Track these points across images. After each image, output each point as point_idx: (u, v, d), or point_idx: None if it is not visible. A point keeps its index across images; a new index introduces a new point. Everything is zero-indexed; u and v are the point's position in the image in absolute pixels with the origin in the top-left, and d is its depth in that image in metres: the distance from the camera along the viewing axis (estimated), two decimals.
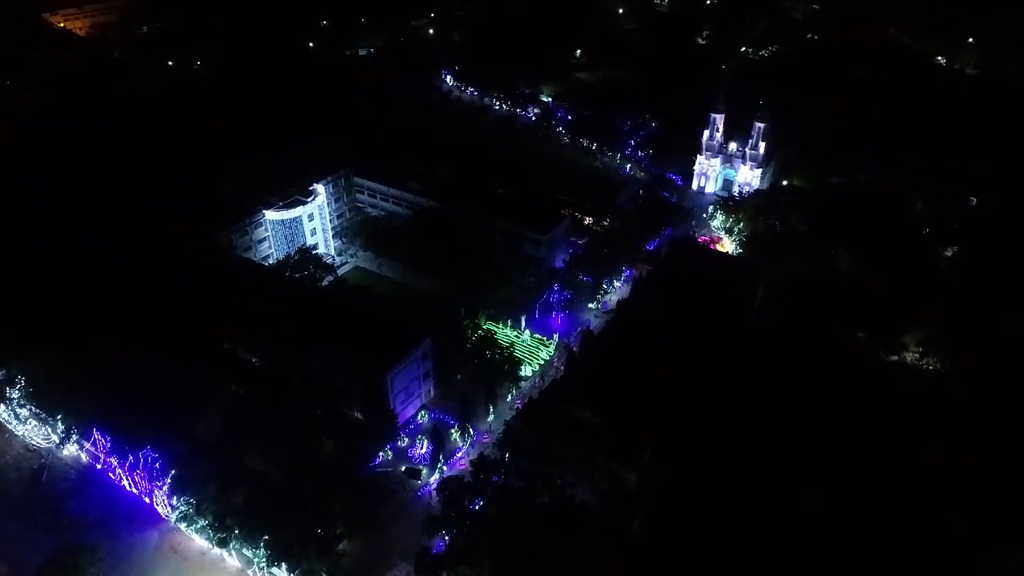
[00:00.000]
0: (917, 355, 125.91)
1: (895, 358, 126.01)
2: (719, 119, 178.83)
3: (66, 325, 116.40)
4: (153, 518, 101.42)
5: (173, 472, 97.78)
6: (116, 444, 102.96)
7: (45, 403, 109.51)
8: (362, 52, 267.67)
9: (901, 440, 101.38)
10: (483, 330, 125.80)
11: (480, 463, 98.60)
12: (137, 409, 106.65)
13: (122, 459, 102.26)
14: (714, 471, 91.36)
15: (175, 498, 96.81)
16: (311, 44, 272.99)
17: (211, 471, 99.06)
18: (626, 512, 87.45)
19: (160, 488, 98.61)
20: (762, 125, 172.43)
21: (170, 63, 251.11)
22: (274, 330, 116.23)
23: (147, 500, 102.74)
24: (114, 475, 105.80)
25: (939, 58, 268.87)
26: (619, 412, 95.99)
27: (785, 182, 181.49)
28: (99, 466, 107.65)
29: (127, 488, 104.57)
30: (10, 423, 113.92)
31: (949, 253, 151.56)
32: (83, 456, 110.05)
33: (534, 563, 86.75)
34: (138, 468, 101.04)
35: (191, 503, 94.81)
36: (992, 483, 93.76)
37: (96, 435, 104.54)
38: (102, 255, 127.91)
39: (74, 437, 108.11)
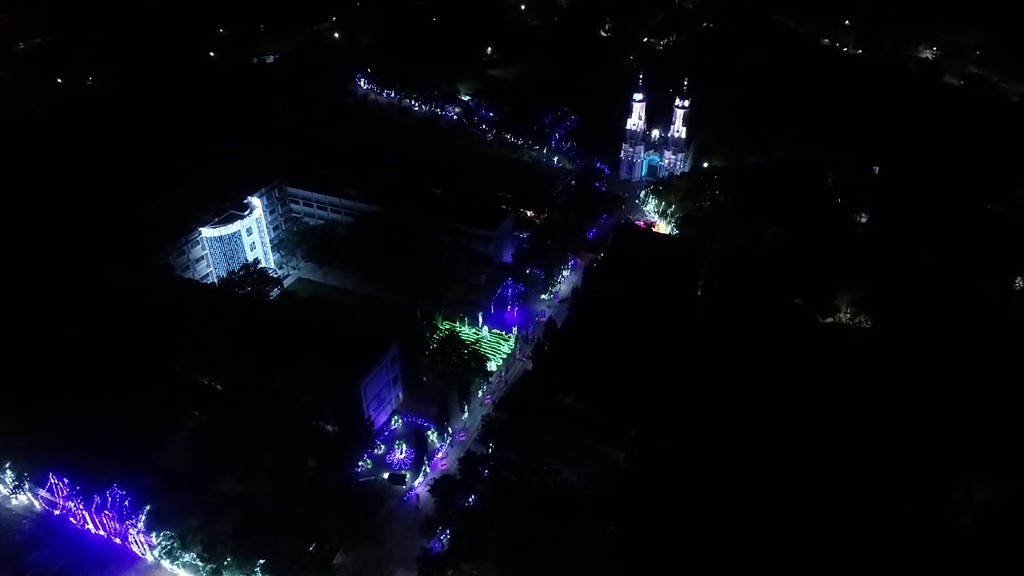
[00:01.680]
0: (849, 315, 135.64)
1: (831, 320, 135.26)
2: (640, 107, 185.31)
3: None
4: (127, 558, 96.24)
5: (148, 507, 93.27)
6: (78, 486, 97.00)
7: None
8: (269, 59, 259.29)
9: (856, 393, 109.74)
10: (445, 330, 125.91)
11: (468, 460, 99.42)
12: (96, 447, 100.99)
13: (87, 501, 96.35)
14: (695, 440, 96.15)
15: (153, 534, 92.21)
16: (212, 53, 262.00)
17: (186, 502, 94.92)
18: (619, 489, 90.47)
19: (134, 526, 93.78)
20: (682, 111, 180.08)
21: (59, 80, 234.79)
22: (232, 350, 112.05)
23: (118, 541, 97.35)
24: (76, 519, 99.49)
25: (824, 40, 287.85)
26: (599, 395, 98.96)
27: (706, 164, 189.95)
28: (56, 512, 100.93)
29: (93, 531, 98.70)
30: None
31: (863, 219, 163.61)
32: (36, 504, 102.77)
33: (534, 550, 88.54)
34: (106, 508, 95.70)
35: (173, 537, 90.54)
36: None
37: (52, 480, 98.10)
38: (28, 289, 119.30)
39: (26, 485, 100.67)
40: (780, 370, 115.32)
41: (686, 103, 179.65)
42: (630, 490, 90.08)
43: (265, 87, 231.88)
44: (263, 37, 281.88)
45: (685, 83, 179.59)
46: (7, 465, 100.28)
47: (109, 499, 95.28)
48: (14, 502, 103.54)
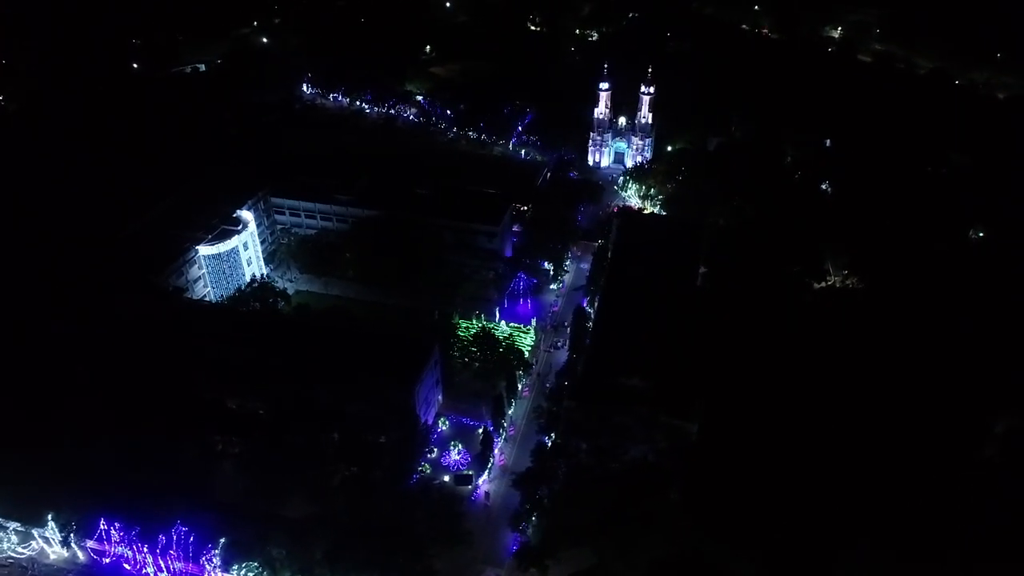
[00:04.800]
0: (841, 279, 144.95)
1: (825, 284, 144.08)
2: (606, 95, 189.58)
3: (19, 413, 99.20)
4: None
5: (223, 540, 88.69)
6: (137, 529, 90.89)
7: (24, 508, 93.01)
8: (202, 68, 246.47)
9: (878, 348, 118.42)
10: (478, 327, 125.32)
11: (541, 451, 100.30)
12: (147, 486, 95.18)
13: (150, 543, 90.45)
14: (756, 405, 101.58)
15: (235, 568, 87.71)
16: (135, 65, 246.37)
17: (260, 530, 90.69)
18: (701, 459, 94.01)
19: (210, 561, 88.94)
20: (648, 97, 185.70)
21: None
22: (273, 370, 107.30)
23: None
24: (131, 564, 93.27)
25: (743, 25, 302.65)
26: (660, 373, 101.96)
27: (669, 148, 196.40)
28: (107, 560, 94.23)
29: (152, 575, 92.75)
30: None
31: (827, 189, 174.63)
32: (81, 554, 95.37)
33: (627, 529, 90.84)
34: (171, 548, 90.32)
35: (260, 568, 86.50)
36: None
37: (103, 526, 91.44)
38: (35, 320, 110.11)
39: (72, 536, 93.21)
40: (799, 331, 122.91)
41: (651, 89, 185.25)
42: (711, 459, 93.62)
43: (205, 97, 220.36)
44: (184, 46, 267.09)
45: (649, 70, 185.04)
46: (49, 516, 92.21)
47: (174, 538, 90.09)
48: (52, 556, 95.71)
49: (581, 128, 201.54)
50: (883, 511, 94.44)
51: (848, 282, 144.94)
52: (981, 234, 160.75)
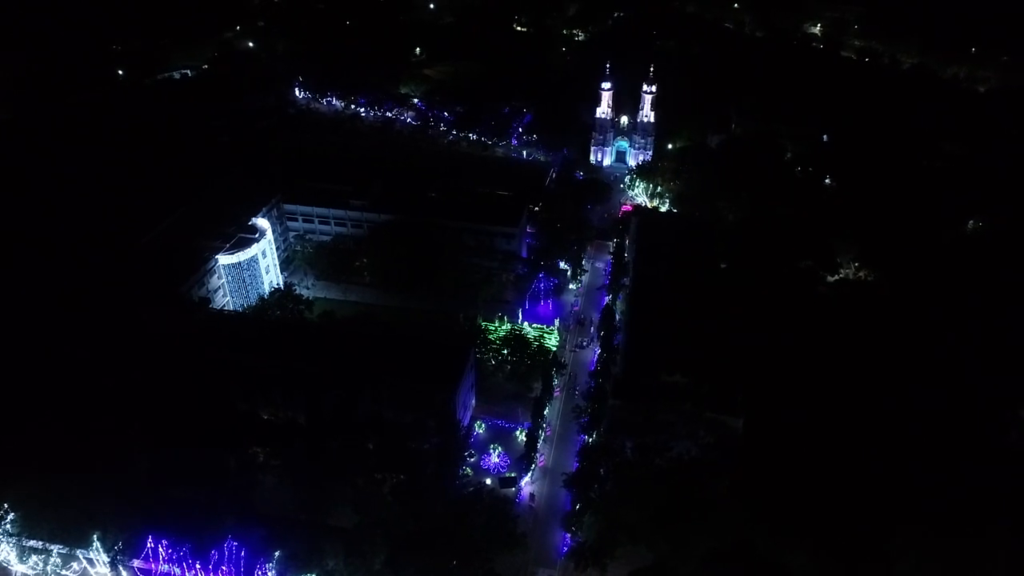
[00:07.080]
0: (854, 270, 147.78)
1: (838, 276, 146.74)
2: (608, 95, 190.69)
3: (55, 433, 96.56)
4: None
5: (277, 553, 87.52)
6: (186, 546, 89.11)
7: (68, 530, 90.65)
8: (190, 74, 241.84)
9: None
10: (507, 330, 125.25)
11: (586, 451, 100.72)
12: (192, 501, 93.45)
13: (202, 560, 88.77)
14: (797, 397, 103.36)
15: None
16: (120, 72, 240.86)
17: (313, 541, 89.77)
18: (751, 453, 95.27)
19: (264, 575, 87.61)
20: (650, 96, 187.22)
21: None
22: (314, 379, 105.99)
23: None
24: None
25: (727, 24, 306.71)
26: (701, 368, 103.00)
27: (669, 146, 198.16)
28: None
29: None
30: (9, 564, 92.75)
31: (829, 182, 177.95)
32: (125, 573, 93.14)
33: (683, 525, 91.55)
34: (223, 564, 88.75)
35: None
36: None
37: (151, 544, 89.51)
38: (60, 335, 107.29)
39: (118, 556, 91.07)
40: (823, 323, 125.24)
41: (653, 88, 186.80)
42: (758, 452, 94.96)
43: (194, 103, 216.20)
44: (168, 51, 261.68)
45: (651, 69, 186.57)
46: (95, 536, 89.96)
47: (226, 553, 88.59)
48: None
49: (579, 127, 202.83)
50: (925, 496, 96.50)
51: (860, 274, 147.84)
52: (980, 224, 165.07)
